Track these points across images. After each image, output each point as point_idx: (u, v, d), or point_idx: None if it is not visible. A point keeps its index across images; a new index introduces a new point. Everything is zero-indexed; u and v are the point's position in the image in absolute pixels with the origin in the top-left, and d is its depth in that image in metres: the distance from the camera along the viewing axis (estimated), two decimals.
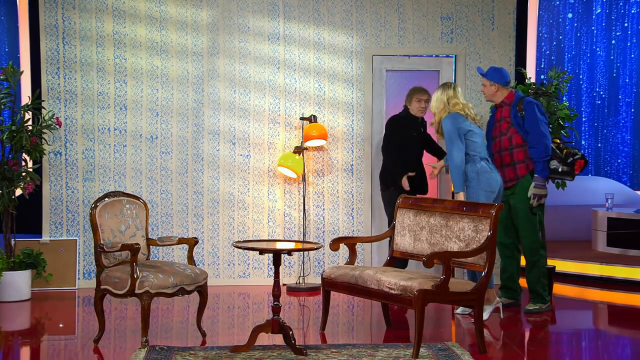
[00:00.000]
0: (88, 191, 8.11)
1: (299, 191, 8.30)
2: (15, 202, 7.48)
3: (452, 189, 8.37)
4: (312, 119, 8.22)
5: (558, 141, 7.20)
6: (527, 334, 6.42)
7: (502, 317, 6.66)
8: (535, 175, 6.90)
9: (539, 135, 6.87)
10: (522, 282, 7.25)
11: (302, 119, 8.25)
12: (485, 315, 6.54)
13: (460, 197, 6.66)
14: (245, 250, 7.85)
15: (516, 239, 7.16)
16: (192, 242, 6.15)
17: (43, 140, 7.60)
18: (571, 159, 7.03)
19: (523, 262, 7.22)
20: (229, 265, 8.26)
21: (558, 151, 7.05)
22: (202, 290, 5.97)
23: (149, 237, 6.40)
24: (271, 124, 8.31)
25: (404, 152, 7.60)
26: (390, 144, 7.68)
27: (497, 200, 6.77)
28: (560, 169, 7.00)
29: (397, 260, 6.83)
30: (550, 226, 8.61)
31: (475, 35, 8.43)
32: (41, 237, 8.07)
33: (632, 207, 10.36)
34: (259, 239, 8.14)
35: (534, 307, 6.98)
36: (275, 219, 8.31)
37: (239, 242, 5.73)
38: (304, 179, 8.24)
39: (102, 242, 5.78)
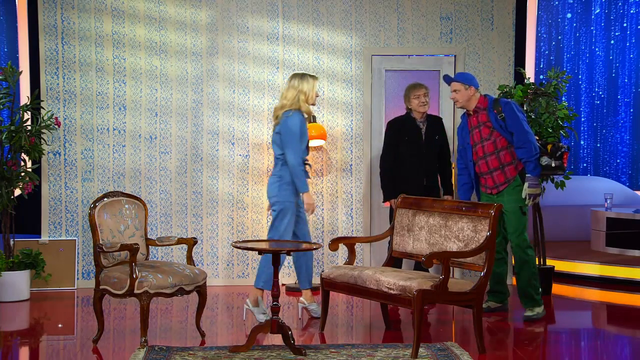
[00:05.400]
0: (87, 191, 8.11)
1: None
2: (14, 202, 7.48)
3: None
4: (311, 119, 8.21)
5: (537, 137, 7.10)
6: (526, 334, 6.42)
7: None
8: (528, 175, 6.69)
9: (525, 134, 6.65)
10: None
11: None
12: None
13: None
14: (244, 250, 7.85)
15: (504, 240, 6.96)
16: (191, 242, 6.15)
17: (42, 140, 7.60)
18: (559, 152, 6.96)
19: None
20: (228, 265, 8.26)
21: (543, 147, 6.96)
22: (201, 290, 5.96)
23: (148, 237, 6.40)
24: (270, 124, 8.30)
25: (397, 164, 7.38)
26: (383, 153, 7.54)
27: None
28: (553, 164, 6.92)
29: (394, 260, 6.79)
30: (549, 226, 8.62)
31: (475, 35, 8.43)
32: (40, 237, 8.06)
33: (631, 207, 10.37)
34: (258, 239, 8.14)
35: (532, 314, 6.74)
36: None
37: (238, 242, 5.73)
38: None
39: (101, 242, 5.78)
